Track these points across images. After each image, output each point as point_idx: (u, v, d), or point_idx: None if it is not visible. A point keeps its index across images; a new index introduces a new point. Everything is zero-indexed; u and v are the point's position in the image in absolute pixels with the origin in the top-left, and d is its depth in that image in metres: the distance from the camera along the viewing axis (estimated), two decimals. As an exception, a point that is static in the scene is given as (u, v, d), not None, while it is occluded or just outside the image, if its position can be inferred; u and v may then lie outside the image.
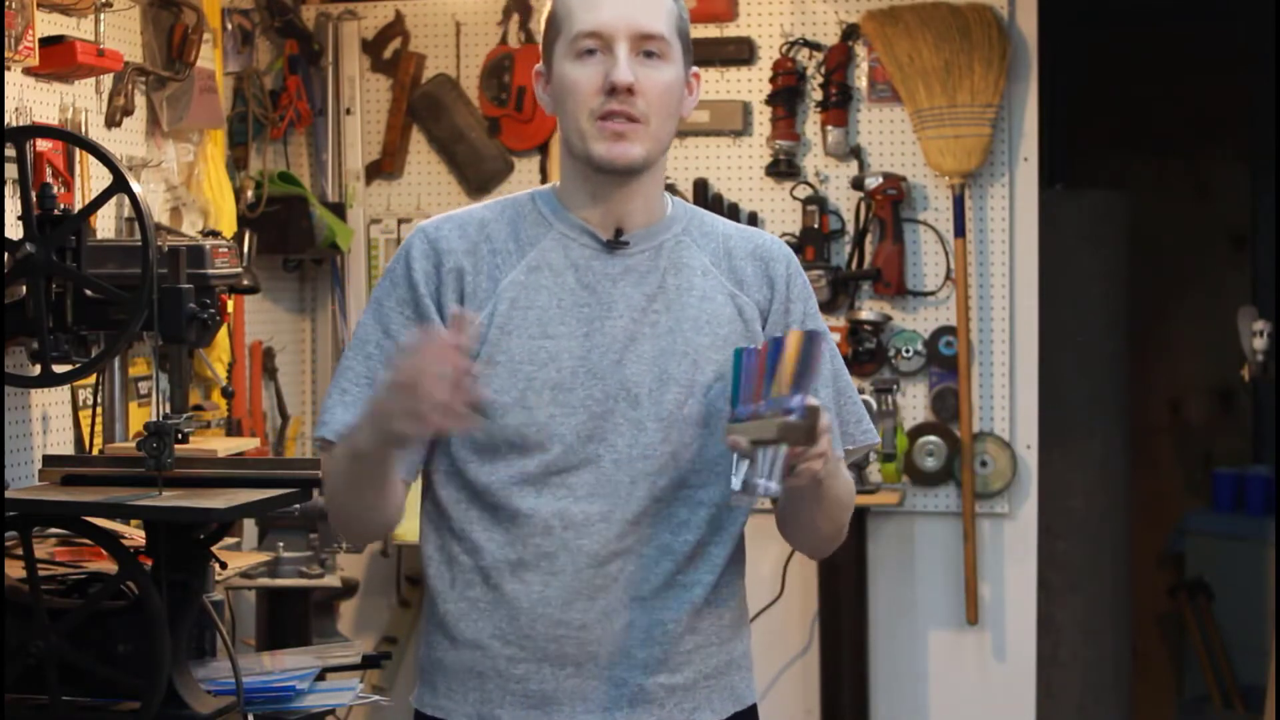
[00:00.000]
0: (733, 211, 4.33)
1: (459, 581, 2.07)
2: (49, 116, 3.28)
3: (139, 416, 3.41)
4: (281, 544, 3.75)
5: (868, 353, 4.27)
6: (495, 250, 2.07)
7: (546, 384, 2.03)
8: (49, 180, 3.12)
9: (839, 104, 4.29)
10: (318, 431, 2.08)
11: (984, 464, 4.26)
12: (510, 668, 2.05)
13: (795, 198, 4.33)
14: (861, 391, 4.27)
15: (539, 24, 4.36)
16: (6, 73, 3.07)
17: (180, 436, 2.83)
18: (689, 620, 2.07)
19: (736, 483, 1.89)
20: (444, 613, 2.09)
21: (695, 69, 2.12)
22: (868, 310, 4.29)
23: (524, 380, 2.03)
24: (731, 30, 4.36)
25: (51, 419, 3.30)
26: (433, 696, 2.11)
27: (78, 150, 3.26)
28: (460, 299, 2.05)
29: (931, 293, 4.29)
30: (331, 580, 3.77)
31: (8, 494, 2.80)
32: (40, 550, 2.90)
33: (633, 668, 2.05)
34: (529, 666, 2.04)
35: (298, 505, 2.89)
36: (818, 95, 4.32)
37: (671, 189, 4.26)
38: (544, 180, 4.40)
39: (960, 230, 4.22)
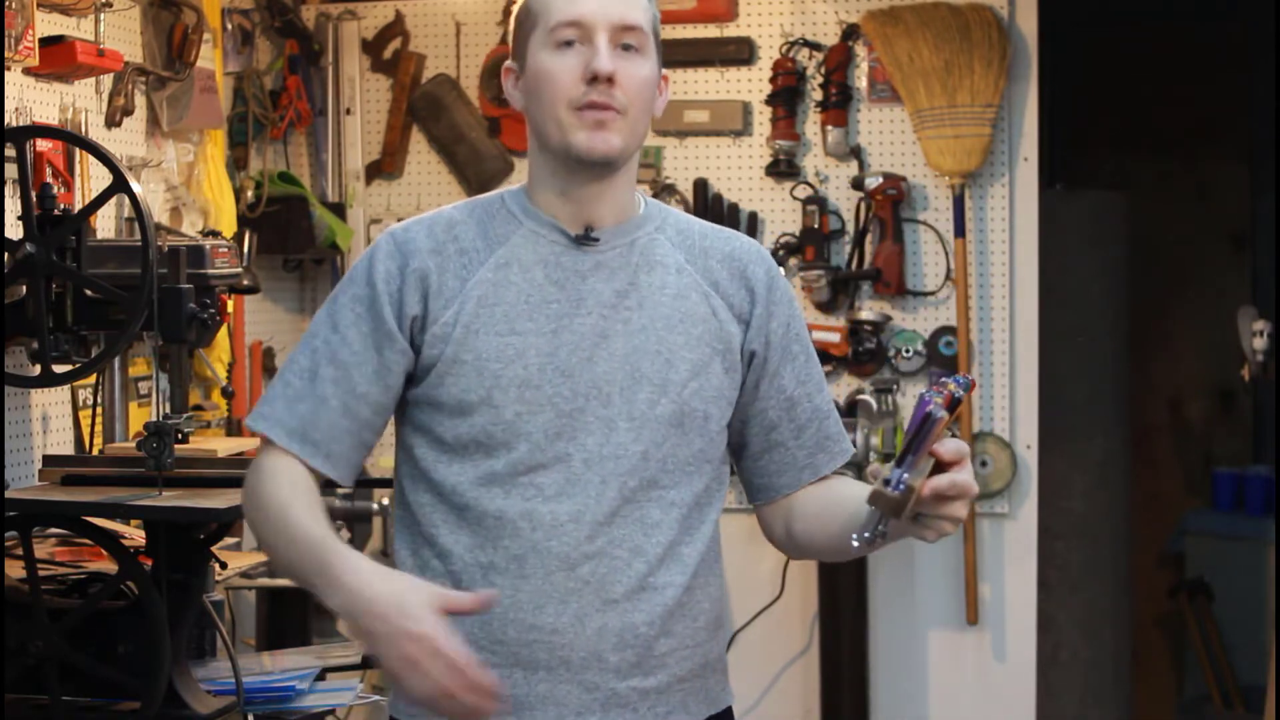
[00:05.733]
0: (733, 211, 4.33)
1: None
2: (49, 116, 3.28)
3: (139, 416, 3.41)
4: (281, 544, 3.75)
5: (868, 353, 4.26)
6: (463, 250, 2.05)
7: (513, 382, 2.00)
8: (49, 180, 3.12)
9: (839, 104, 4.29)
10: (258, 424, 2.03)
11: (984, 464, 4.26)
12: None
13: (795, 198, 4.33)
14: (861, 391, 4.28)
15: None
16: (6, 73, 3.07)
17: (180, 436, 2.83)
18: (662, 623, 2.04)
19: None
20: None
21: (665, 71, 2.10)
22: (868, 310, 4.29)
23: (490, 378, 2.00)
24: (731, 30, 4.35)
25: (51, 419, 3.29)
26: (407, 702, 2.06)
27: (78, 150, 3.26)
28: (424, 299, 2.03)
29: (931, 293, 4.28)
30: (331, 580, 3.77)
31: (8, 494, 2.80)
32: (40, 550, 2.90)
33: (605, 672, 2.02)
34: (501, 671, 2.00)
35: (298, 505, 2.88)
36: (818, 95, 4.32)
37: (671, 189, 4.34)
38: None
39: (960, 230, 4.22)
